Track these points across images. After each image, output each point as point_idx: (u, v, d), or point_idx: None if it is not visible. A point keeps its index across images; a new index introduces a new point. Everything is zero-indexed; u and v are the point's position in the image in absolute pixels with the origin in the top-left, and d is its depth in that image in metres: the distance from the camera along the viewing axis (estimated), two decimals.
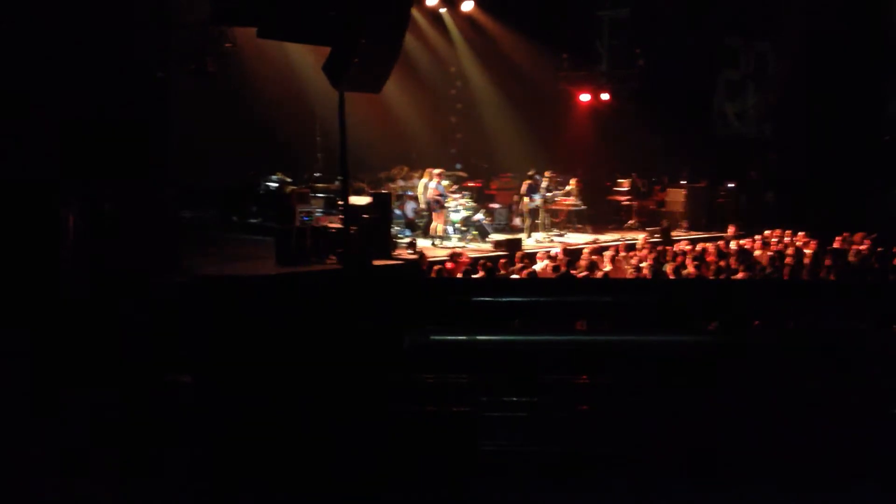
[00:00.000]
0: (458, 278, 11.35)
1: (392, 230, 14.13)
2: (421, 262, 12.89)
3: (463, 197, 16.49)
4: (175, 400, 4.74)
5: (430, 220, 15.67)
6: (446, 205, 15.66)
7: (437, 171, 15.81)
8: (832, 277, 11.46)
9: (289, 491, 4.34)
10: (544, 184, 17.28)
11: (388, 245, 13.35)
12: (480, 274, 11.71)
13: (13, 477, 4.46)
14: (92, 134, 9.29)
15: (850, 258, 12.89)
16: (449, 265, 12.32)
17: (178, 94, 11.35)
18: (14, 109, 8.73)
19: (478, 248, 15.14)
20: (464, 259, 12.67)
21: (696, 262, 12.42)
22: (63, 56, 8.96)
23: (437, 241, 15.35)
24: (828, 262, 12.34)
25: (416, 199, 16.13)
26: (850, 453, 4.49)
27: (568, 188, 18.19)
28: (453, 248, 15.05)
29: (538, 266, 12.45)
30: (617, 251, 13.92)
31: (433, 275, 11.73)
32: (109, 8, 9.47)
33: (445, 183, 16.11)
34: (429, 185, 15.58)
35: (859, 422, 4.60)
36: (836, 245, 14.27)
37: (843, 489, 4.36)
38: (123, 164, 9.63)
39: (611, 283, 8.56)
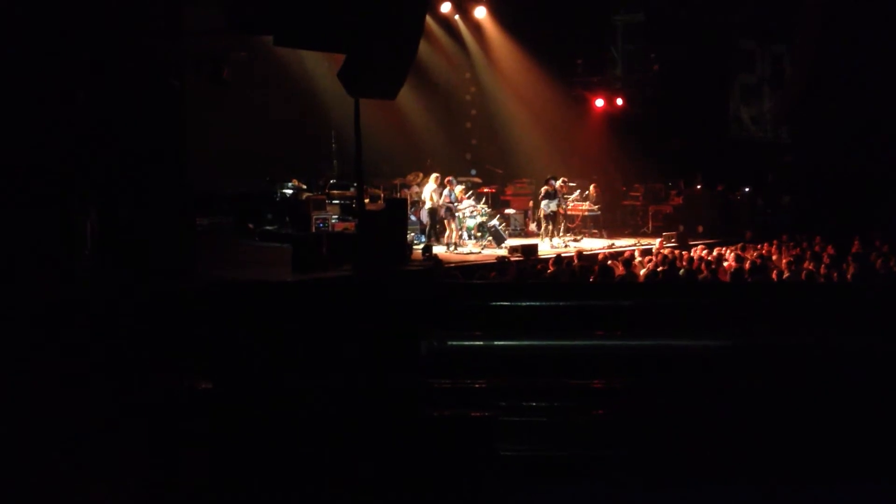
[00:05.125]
0: (475, 283, 11.31)
1: (408, 236, 14.13)
2: (437, 268, 12.87)
3: (478, 203, 16.48)
4: (194, 405, 4.74)
5: (444, 228, 15.69)
6: (457, 212, 15.67)
7: (446, 178, 15.82)
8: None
9: (305, 495, 4.33)
10: (558, 186, 17.22)
11: (404, 251, 13.35)
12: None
13: (23, 478, 4.48)
14: (109, 141, 9.34)
15: (874, 261, 12.75)
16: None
17: (194, 101, 11.41)
18: (31, 116, 8.78)
19: (494, 255, 15.11)
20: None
21: (712, 267, 12.33)
22: (80, 63, 9.02)
23: (452, 248, 15.33)
24: (848, 266, 12.23)
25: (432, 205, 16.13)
26: (853, 452, 4.47)
27: (586, 193, 18.18)
28: (469, 252, 15.07)
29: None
30: (633, 256, 13.86)
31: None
32: (126, 16, 9.52)
33: (460, 188, 16.11)
34: (442, 192, 15.61)
35: (859, 422, 4.57)
36: (854, 249, 14.14)
37: (849, 487, 4.34)
38: (140, 171, 9.68)
39: (629, 287, 8.52)
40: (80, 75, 9.05)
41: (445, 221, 15.59)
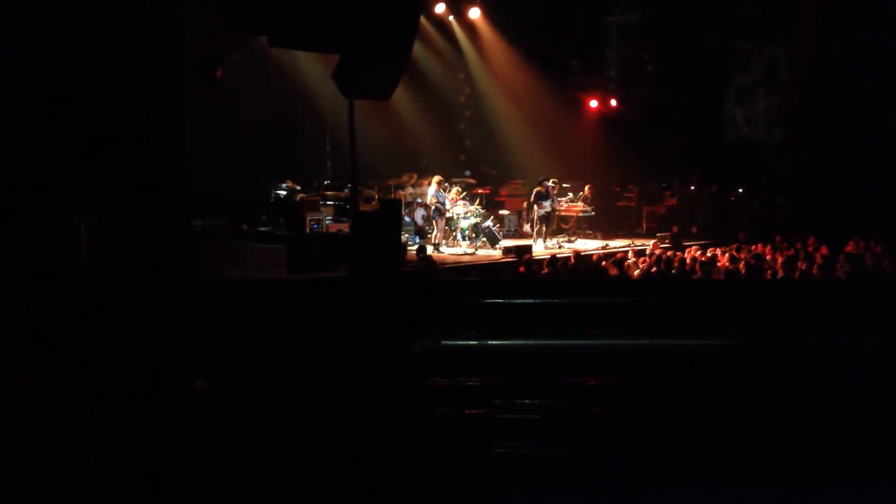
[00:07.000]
0: (469, 280, 11.35)
1: (402, 237, 14.14)
2: (432, 269, 12.90)
3: (472, 203, 16.50)
4: (188, 404, 4.76)
5: (434, 228, 15.74)
6: (448, 213, 15.69)
7: (436, 178, 15.87)
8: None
9: (302, 494, 4.35)
10: (550, 187, 17.24)
11: (398, 252, 13.36)
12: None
13: (23, 479, 4.49)
14: (105, 142, 9.34)
15: (867, 262, 12.80)
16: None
17: (189, 102, 11.40)
18: (30, 117, 8.78)
19: (488, 255, 15.14)
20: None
21: (706, 268, 12.36)
22: (76, 65, 9.02)
23: (433, 249, 15.31)
24: (842, 266, 12.27)
25: (425, 206, 16.16)
26: (852, 453, 4.49)
27: (581, 194, 18.22)
28: (463, 253, 15.10)
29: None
30: (626, 257, 13.90)
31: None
32: (126, 17, 9.52)
33: (454, 190, 16.14)
34: (428, 191, 15.68)
35: (858, 421, 4.60)
36: (848, 249, 14.20)
37: (849, 487, 4.37)
38: (135, 173, 9.68)
39: (623, 286, 8.54)
40: (80, 76, 9.04)
41: (434, 221, 15.62)
